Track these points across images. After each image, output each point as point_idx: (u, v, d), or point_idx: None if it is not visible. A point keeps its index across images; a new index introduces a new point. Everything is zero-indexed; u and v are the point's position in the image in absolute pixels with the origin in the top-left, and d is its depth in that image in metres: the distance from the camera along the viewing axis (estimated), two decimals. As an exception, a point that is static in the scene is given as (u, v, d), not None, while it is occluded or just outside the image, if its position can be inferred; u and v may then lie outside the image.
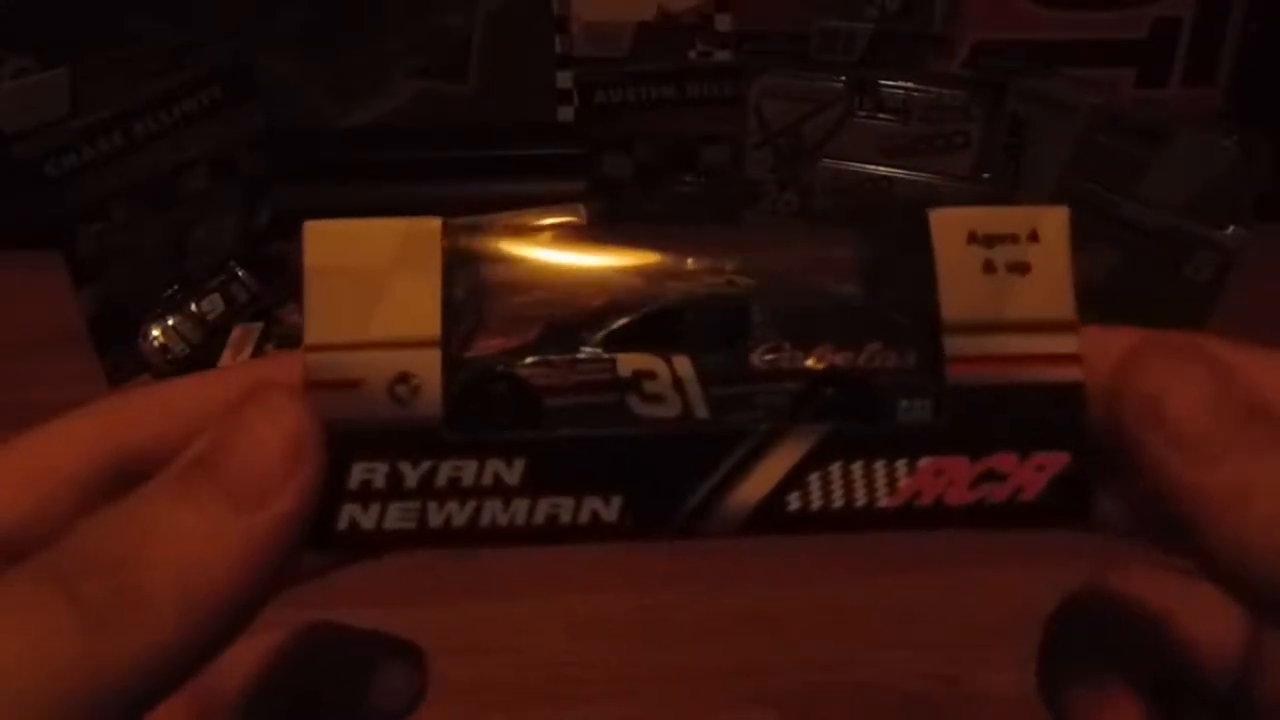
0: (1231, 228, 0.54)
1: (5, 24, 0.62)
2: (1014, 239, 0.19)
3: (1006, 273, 0.19)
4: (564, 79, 0.69)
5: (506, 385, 0.20)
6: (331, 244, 0.20)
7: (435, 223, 0.20)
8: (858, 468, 0.19)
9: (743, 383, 0.20)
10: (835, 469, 0.19)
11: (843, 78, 0.60)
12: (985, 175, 0.60)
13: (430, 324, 0.19)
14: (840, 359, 0.20)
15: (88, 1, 0.64)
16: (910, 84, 0.60)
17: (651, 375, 0.20)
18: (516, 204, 0.62)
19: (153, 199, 0.56)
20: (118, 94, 0.54)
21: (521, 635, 0.43)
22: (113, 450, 0.20)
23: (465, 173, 0.68)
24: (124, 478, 0.20)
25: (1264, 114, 0.66)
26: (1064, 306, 0.19)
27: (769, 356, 0.20)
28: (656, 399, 0.19)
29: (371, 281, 0.20)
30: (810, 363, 0.20)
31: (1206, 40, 0.69)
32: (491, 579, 0.44)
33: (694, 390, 0.20)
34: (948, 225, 0.19)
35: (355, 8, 0.69)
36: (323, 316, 0.19)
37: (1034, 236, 0.19)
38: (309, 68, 0.70)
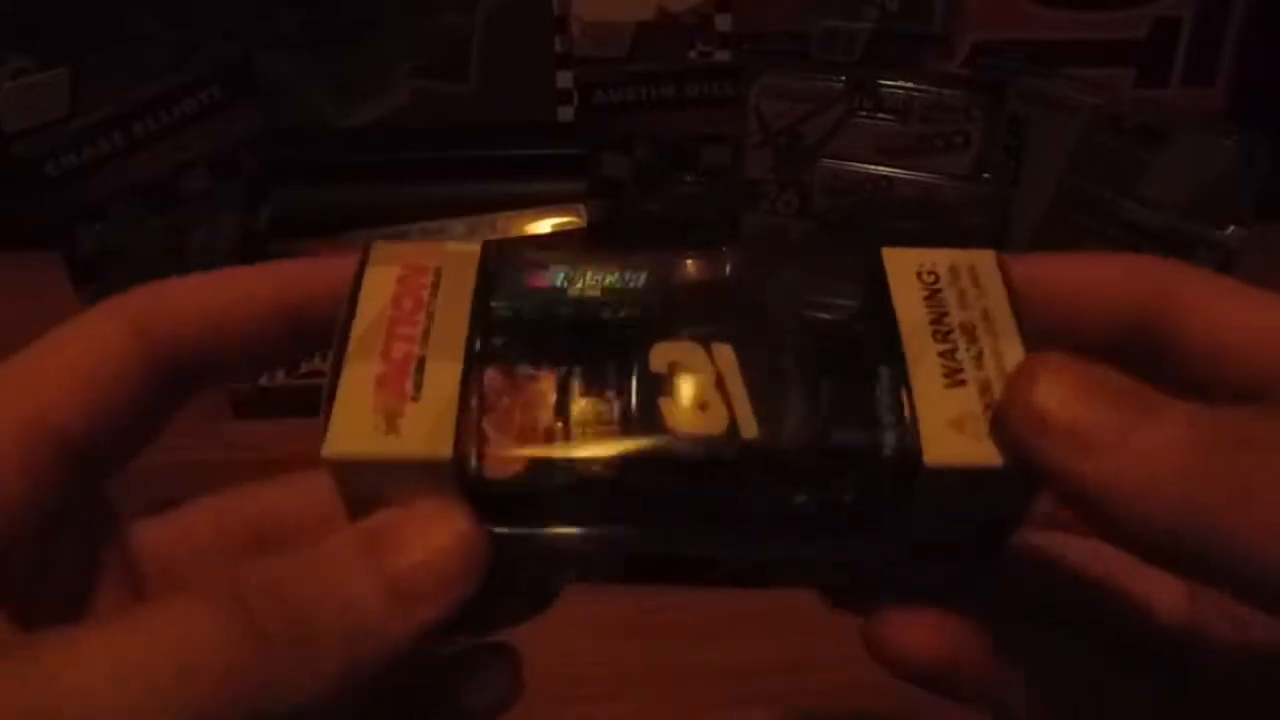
0: (1231, 228, 0.54)
1: (5, 24, 0.62)
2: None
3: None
4: (564, 79, 0.69)
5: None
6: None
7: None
8: None
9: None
10: None
11: (843, 78, 0.60)
12: (985, 175, 0.60)
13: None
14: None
15: (88, 1, 0.64)
16: (910, 84, 0.60)
17: None
18: (516, 204, 0.62)
19: (153, 199, 0.56)
20: (118, 94, 0.54)
21: (521, 635, 0.43)
22: (142, 350, 0.21)
23: (465, 173, 0.68)
24: (159, 376, 0.21)
25: (1264, 114, 0.66)
26: None
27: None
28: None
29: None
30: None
31: (1206, 40, 0.69)
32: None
33: None
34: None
35: (355, 8, 0.69)
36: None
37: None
38: (309, 68, 0.70)
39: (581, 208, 0.61)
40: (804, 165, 0.61)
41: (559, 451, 0.19)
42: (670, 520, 0.20)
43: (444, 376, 0.20)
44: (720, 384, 0.20)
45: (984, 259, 0.22)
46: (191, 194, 0.58)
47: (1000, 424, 0.19)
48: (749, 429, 0.19)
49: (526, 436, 0.19)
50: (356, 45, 0.69)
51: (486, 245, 0.22)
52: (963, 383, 0.20)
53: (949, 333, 0.21)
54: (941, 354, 0.20)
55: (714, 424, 0.19)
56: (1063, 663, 0.22)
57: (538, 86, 0.70)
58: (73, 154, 0.53)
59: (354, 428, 0.19)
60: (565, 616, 0.44)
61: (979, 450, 0.19)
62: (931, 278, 0.22)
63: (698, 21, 0.67)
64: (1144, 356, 0.21)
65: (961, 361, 0.20)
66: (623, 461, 0.19)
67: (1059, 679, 0.22)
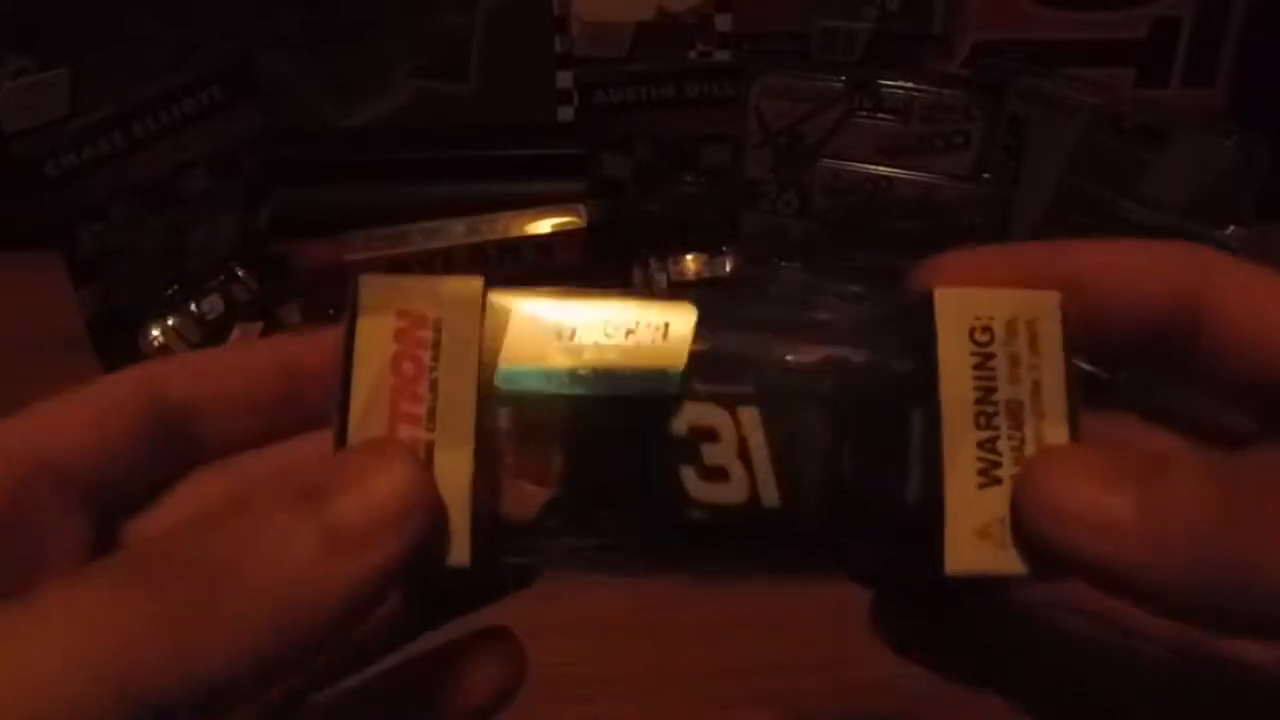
0: (1231, 228, 0.54)
1: (5, 24, 0.62)
2: None
3: None
4: (564, 79, 0.69)
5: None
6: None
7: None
8: None
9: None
10: None
11: (843, 78, 0.60)
12: (985, 175, 0.60)
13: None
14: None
15: (88, 1, 0.64)
16: (910, 84, 0.60)
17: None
18: (516, 204, 0.62)
19: (153, 199, 0.56)
20: (118, 94, 0.54)
21: (521, 635, 0.43)
22: (147, 408, 0.21)
23: (465, 173, 0.68)
24: (161, 434, 0.21)
25: (1264, 114, 0.66)
26: None
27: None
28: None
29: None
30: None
31: (1206, 40, 0.69)
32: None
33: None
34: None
35: (355, 8, 0.69)
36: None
37: None
38: (309, 68, 0.70)
39: (581, 208, 0.61)
40: (804, 165, 0.61)
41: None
42: (675, 560, 0.20)
43: (455, 474, 0.19)
44: (744, 451, 0.19)
45: (1048, 309, 0.20)
46: (191, 194, 0.58)
47: (1018, 523, 0.19)
48: (770, 498, 0.19)
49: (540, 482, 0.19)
50: (356, 45, 0.69)
51: (488, 287, 0.20)
52: (998, 480, 0.19)
53: (993, 415, 0.20)
54: (981, 444, 0.20)
55: (735, 493, 0.19)
56: None
57: (538, 86, 0.70)
58: (73, 154, 0.53)
59: None
60: (565, 616, 0.44)
61: (1002, 559, 0.19)
62: (985, 337, 0.20)
63: (698, 21, 0.67)
64: (1177, 348, 0.21)
65: (1000, 454, 0.20)
66: (642, 531, 0.19)
67: None
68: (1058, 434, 0.20)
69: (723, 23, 0.67)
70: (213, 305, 0.58)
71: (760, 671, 0.43)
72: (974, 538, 0.19)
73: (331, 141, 0.70)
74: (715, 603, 0.45)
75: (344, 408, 0.19)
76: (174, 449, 0.22)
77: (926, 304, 0.20)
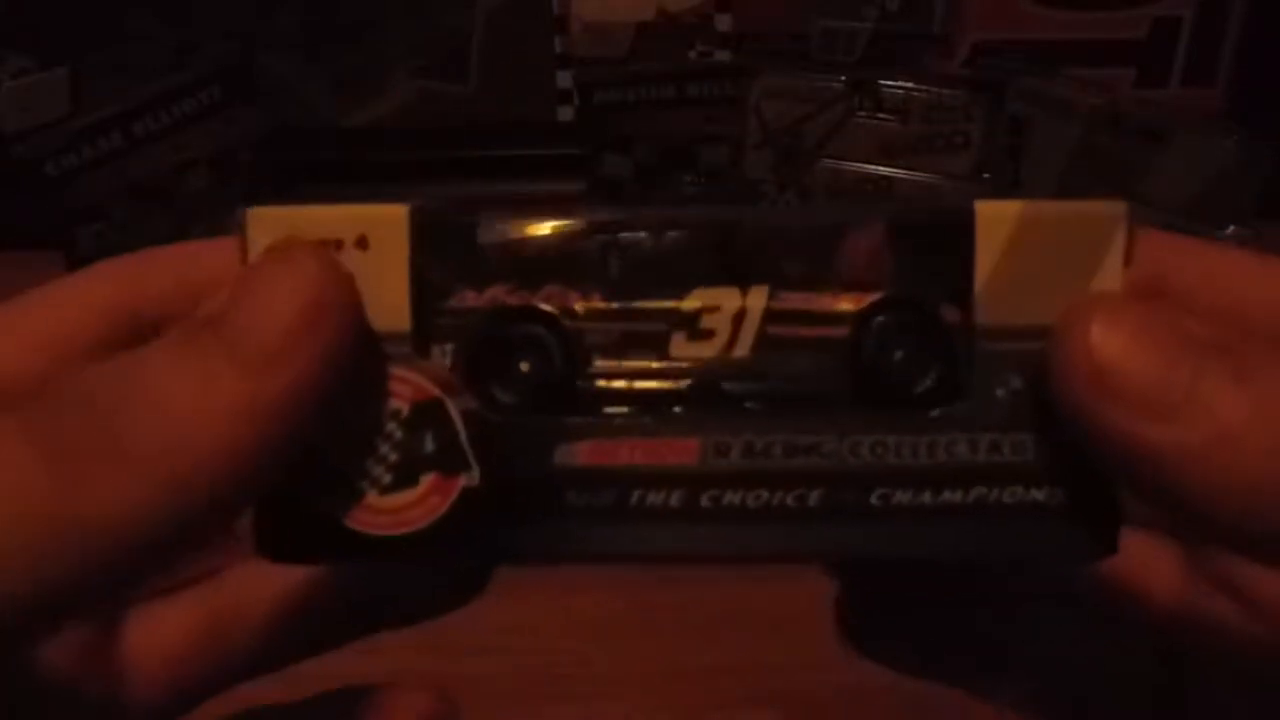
0: (1231, 228, 0.54)
1: (5, 24, 0.62)
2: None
3: None
4: (564, 79, 0.69)
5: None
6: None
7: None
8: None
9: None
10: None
11: (843, 78, 0.60)
12: (985, 175, 0.60)
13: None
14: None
15: (88, 1, 0.64)
16: (910, 84, 0.60)
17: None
18: (516, 204, 0.62)
19: (153, 199, 0.56)
20: (118, 94, 0.54)
21: (521, 635, 0.43)
22: (127, 312, 0.18)
23: (465, 173, 0.68)
24: (141, 338, 0.18)
25: (1264, 114, 0.66)
26: None
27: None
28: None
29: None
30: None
31: (1206, 40, 0.69)
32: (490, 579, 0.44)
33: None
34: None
35: (355, 8, 0.69)
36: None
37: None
38: (309, 68, 0.70)
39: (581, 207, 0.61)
40: (804, 165, 0.61)
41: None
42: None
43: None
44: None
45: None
46: (191, 194, 0.58)
47: (1051, 377, 0.16)
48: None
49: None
50: (356, 45, 0.69)
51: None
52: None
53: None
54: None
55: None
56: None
57: (538, 86, 0.70)
58: (73, 154, 0.53)
59: None
60: (565, 616, 0.44)
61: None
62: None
63: (698, 21, 0.67)
64: None
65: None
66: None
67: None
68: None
69: (723, 23, 0.67)
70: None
71: (760, 671, 0.43)
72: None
73: (331, 141, 0.70)
74: (713, 602, 0.45)
75: None
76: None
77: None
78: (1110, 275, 0.16)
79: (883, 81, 0.60)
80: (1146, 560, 0.21)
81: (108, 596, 0.19)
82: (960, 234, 0.17)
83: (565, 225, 0.17)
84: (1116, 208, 0.17)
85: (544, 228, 0.17)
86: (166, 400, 0.15)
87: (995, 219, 0.17)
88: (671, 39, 0.67)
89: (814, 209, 0.19)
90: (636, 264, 0.17)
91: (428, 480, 0.17)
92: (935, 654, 0.22)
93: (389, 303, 0.17)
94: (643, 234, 0.17)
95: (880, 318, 0.17)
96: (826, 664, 0.44)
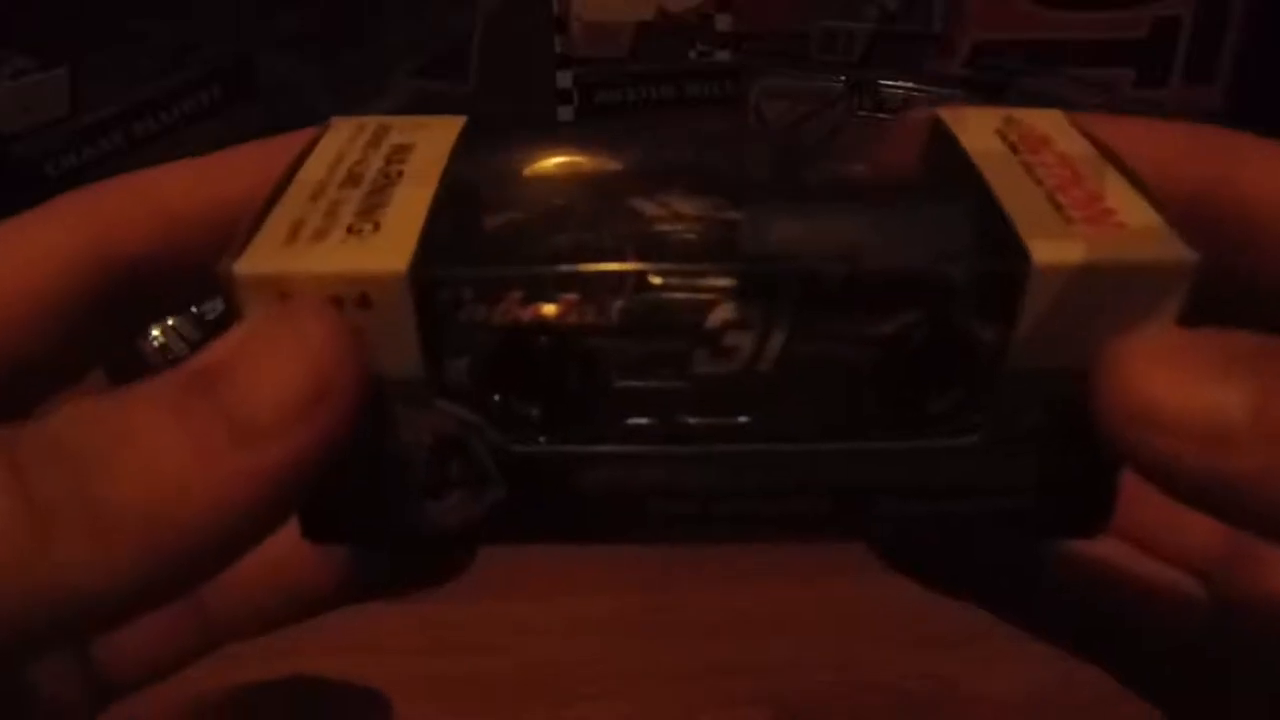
0: (1231, 228, 0.54)
1: (5, 24, 0.62)
2: None
3: None
4: (564, 79, 0.69)
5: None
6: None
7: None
8: None
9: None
10: None
11: (843, 78, 0.60)
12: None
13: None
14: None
15: (88, 1, 0.63)
16: (910, 84, 0.60)
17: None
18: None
19: (153, 199, 0.56)
20: (118, 94, 0.54)
21: (520, 635, 0.43)
22: (97, 261, 0.17)
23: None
24: (116, 297, 0.17)
25: (1264, 114, 0.66)
26: None
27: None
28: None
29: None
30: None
31: (1206, 40, 0.69)
32: (490, 579, 0.44)
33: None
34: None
35: (355, 8, 0.69)
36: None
37: None
38: (309, 68, 0.70)
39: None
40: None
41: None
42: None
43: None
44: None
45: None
46: (191, 194, 0.58)
47: (1100, 418, 0.15)
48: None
49: None
50: (356, 45, 0.69)
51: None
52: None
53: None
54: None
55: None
56: None
57: (538, 86, 0.70)
58: (73, 154, 0.53)
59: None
60: (564, 616, 0.44)
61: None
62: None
63: (698, 21, 0.67)
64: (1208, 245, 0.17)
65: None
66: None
67: None
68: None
69: (723, 23, 0.67)
70: (213, 305, 0.58)
71: (760, 671, 0.43)
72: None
73: (331, 141, 0.70)
74: (713, 602, 0.45)
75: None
76: (127, 318, 0.18)
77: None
78: (1163, 321, 0.15)
79: (883, 81, 0.60)
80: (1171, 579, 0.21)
81: (83, 641, 0.19)
82: (1009, 286, 0.16)
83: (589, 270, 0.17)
84: (1185, 259, 0.15)
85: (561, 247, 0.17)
86: (153, 465, 0.14)
87: (1052, 270, 0.15)
88: (671, 39, 0.67)
89: (852, 233, 0.18)
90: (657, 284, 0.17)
91: (454, 495, 0.17)
92: (965, 572, 0.21)
93: (398, 357, 0.16)
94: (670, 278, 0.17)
95: (910, 338, 0.17)
96: (826, 664, 0.44)
